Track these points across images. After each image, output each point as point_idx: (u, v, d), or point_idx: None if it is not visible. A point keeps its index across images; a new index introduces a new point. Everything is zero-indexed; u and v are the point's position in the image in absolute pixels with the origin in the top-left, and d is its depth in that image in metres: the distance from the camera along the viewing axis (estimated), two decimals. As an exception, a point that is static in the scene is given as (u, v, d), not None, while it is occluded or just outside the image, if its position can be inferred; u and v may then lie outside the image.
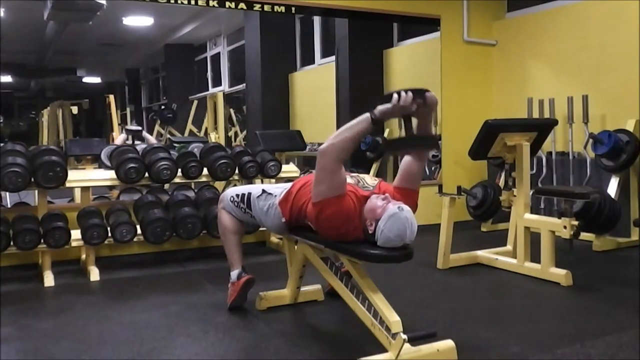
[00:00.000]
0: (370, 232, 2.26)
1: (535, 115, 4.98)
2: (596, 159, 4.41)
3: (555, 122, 3.95)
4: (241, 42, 7.43)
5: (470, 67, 5.62)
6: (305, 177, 2.68)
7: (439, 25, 5.45)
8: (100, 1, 5.50)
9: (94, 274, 3.57)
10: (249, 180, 4.18)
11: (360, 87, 6.28)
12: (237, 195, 2.82)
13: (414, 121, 2.33)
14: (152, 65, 8.96)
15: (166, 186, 4.68)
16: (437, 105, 2.30)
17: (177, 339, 2.52)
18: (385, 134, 6.17)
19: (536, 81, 5.25)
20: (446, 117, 5.53)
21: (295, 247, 2.85)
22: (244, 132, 7.29)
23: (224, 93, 7.07)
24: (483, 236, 4.82)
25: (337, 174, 2.25)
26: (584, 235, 3.91)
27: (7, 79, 7.51)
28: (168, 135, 7.12)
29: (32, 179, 3.50)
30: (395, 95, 2.16)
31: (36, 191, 3.83)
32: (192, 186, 4.79)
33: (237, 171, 4.17)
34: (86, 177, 4.02)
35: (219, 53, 7.89)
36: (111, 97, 6.79)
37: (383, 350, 2.16)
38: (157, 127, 7.40)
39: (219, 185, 4.60)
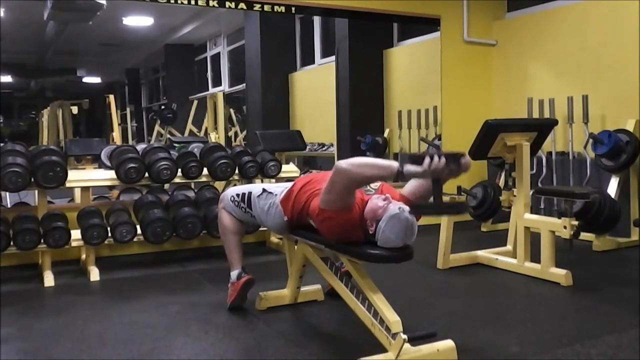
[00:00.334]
0: (370, 232, 2.26)
1: (535, 115, 4.98)
2: (596, 159, 4.41)
3: (555, 122, 3.95)
4: (241, 42, 7.43)
5: (470, 67, 5.62)
6: (307, 176, 2.68)
7: (439, 25, 5.46)
8: (100, 1, 5.50)
9: (94, 274, 3.57)
10: (249, 180, 4.18)
11: (360, 87, 6.29)
12: (238, 195, 2.82)
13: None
14: (152, 65, 8.97)
15: (166, 186, 4.69)
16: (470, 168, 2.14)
17: (177, 339, 2.52)
18: (386, 134, 6.18)
19: (536, 81, 5.25)
20: (446, 117, 5.54)
21: (295, 247, 2.85)
22: (244, 132, 7.30)
23: (224, 93, 7.07)
24: (483, 236, 4.82)
25: (346, 194, 2.22)
26: (584, 235, 3.91)
27: (7, 79, 7.52)
28: (168, 135, 7.13)
29: (32, 179, 3.50)
30: (427, 160, 1.98)
31: (36, 191, 3.83)
32: (192, 186, 4.80)
33: (237, 171, 4.16)
34: (86, 177, 4.02)
35: (219, 53, 7.89)
36: (111, 97, 6.80)
37: (383, 350, 2.16)
38: (157, 127, 7.41)
39: (219, 185, 4.61)
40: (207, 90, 7.99)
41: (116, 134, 6.66)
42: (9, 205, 4.38)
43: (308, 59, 7.07)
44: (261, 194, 2.75)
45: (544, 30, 5.17)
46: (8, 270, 3.69)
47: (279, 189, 2.72)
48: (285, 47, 7.21)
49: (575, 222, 3.29)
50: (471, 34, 5.57)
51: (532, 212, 3.68)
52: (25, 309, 2.98)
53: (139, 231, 3.77)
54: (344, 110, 6.25)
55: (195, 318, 2.78)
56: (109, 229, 3.67)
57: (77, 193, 4.29)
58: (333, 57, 6.36)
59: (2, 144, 3.98)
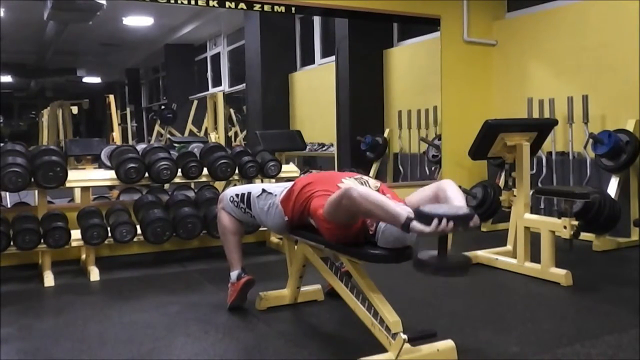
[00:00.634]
0: (370, 232, 2.25)
1: (535, 115, 4.98)
2: (596, 159, 4.41)
3: (555, 122, 3.95)
4: (241, 42, 7.43)
5: (470, 67, 5.62)
6: (307, 176, 2.67)
7: (439, 25, 5.46)
8: (100, 1, 5.50)
9: (94, 274, 3.57)
10: (249, 180, 4.18)
11: (360, 87, 6.28)
12: (237, 195, 2.82)
13: None
14: (152, 65, 8.96)
15: (166, 186, 4.69)
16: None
17: (177, 339, 2.52)
18: (386, 134, 6.17)
19: (536, 81, 5.25)
20: (446, 117, 5.54)
21: (295, 247, 2.85)
22: (244, 132, 7.29)
23: (224, 93, 7.07)
24: (483, 236, 4.82)
25: (350, 218, 2.20)
26: (584, 235, 3.91)
27: (7, 79, 7.51)
28: (168, 135, 7.13)
29: (32, 179, 3.50)
30: (435, 222, 1.92)
31: (36, 191, 3.83)
32: (192, 186, 4.79)
33: (237, 171, 4.16)
34: (86, 177, 4.02)
35: (219, 53, 7.89)
36: (111, 97, 6.79)
37: (383, 350, 2.16)
38: (157, 127, 7.41)
39: (219, 185, 4.61)
40: (207, 90, 7.99)
41: (116, 134, 6.66)
42: (9, 205, 4.37)
43: (308, 59, 7.06)
44: (261, 194, 2.75)
45: (544, 30, 5.17)
46: (8, 270, 3.69)
47: (279, 189, 2.72)
48: (285, 47, 7.21)
49: (575, 222, 3.29)
50: (471, 34, 5.57)
51: (532, 212, 3.68)
52: (25, 309, 2.98)
53: (139, 231, 3.77)
54: (344, 110, 6.25)
55: (195, 318, 2.78)
56: (109, 229, 3.67)
57: (77, 193, 4.29)
58: (333, 57, 6.36)
59: (2, 144, 3.97)
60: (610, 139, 4.19)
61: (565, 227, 3.29)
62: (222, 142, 5.87)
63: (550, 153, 4.92)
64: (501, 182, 4.72)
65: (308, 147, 6.05)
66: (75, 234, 3.59)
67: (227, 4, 4.55)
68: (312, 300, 3.00)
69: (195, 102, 7.28)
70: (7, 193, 4.35)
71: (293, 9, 4.88)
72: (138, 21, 7.24)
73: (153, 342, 2.47)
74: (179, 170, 3.99)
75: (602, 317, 2.76)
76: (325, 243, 2.43)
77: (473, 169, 5.46)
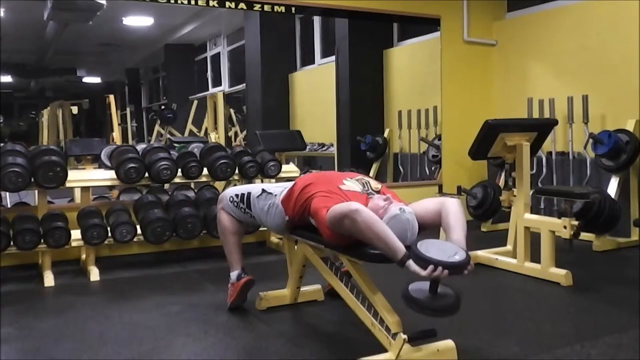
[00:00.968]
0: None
1: (535, 115, 4.98)
2: (596, 159, 4.41)
3: (555, 122, 3.95)
4: (241, 42, 7.42)
5: (470, 67, 5.62)
6: (307, 176, 2.67)
7: (439, 25, 5.46)
8: (100, 1, 5.50)
9: (94, 274, 3.57)
10: (249, 180, 4.18)
11: (360, 87, 6.29)
12: (237, 196, 2.82)
13: None
14: (152, 65, 8.96)
15: (166, 186, 4.68)
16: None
17: (177, 339, 2.52)
18: (386, 134, 6.17)
19: (536, 81, 5.25)
20: (446, 117, 5.54)
21: (295, 247, 2.85)
22: (244, 132, 7.29)
23: (224, 93, 7.07)
24: (483, 236, 4.82)
25: (348, 235, 2.20)
26: (584, 235, 3.91)
27: (7, 79, 7.51)
28: (168, 135, 7.12)
29: (32, 179, 3.50)
30: (430, 268, 1.96)
31: (36, 191, 3.83)
32: (192, 186, 4.79)
33: (237, 171, 4.17)
34: (86, 177, 4.02)
35: (219, 53, 7.89)
36: (111, 97, 6.79)
37: (383, 350, 2.16)
38: (157, 127, 7.41)
39: (219, 185, 4.60)
40: (207, 90, 7.99)
41: (116, 134, 6.65)
42: (9, 205, 4.37)
43: (308, 59, 7.06)
44: (260, 194, 2.75)
45: (544, 30, 5.17)
46: (8, 270, 3.69)
47: (279, 189, 2.72)
48: (285, 47, 7.21)
49: (575, 222, 3.29)
50: (471, 34, 5.57)
51: (532, 212, 3.68)
52: (25, 309, 2.98)
53: (139, 231, 3.77)
54: (344, 110, 6.25)
55: (195, 318, 2.78)
56: (109, 229, 3.67)
57: (77, 193, 4.29)
58: (333, 57, 6.36)
59: (2, 144, 3.97)
60: (610, 139, 4.20)
61: (565, 227, 3.29)
62: (222, 142, 5.86)
63: (550, 153, 4.92)
64: (501, 182, 4.72)
65: (308, 147, 6.05)
66: (75, 234, 3.59)
67: (227, 4, 4.55)
68: (312, 300, 3.00)
69: (195, 102, 7.28)
70: (7, 193, 4.35)
71: (293, 9, 4.88)
72: (138, 21, 7.23)
73: (153, 342, 2.47)
74: (179, 170, 3.99)
75: (602, 317, 2.76)
76: (325, 243, 2.43)
77: (473, 169, 5.46)
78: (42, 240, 3.47)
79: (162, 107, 8.00)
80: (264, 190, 2.75)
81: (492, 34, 5.68)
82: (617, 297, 3.10)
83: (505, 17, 5.67)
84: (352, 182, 2.48)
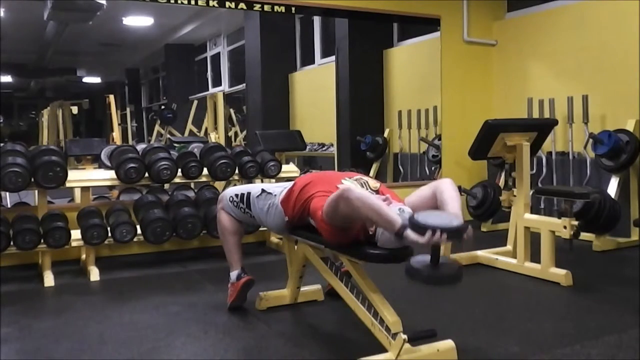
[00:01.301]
0: (370, 232, 2.25)
1: (535, 115, 4.98)
2: (596, 159, 4.41)
3: (555, 122, 3.95)
4: (241, 42, 7.43)
5: (470, 67, 5.61)
6: (307, 176, 2.67)
7: (439, 25, 5.45)
8: (100, 1, 5.50)
9: (94, 274, 3.57)
10: (249, 180, 4.18)
11: (360, 87, 6.29)
12: (237, 196, 2.82)
13: None
14: (152, 65, 8.96)
15: (166, 186, 4.68)
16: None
17: (177, 339, 2.52)
18: (386, 134, 6.18)
19: (536, 81, 5.25)
20: (446, 118, 5.54)
21: (295, 247, 2.85)
22: (244, 132, 7.29)
23: (224, 93, 7.07)
24: (483, 236, 4.82)
25: (348, 222, 2.20)
26: (584, 235, 3.91)
27: (7, 79, 7.51)
28: (168, 135, 7.13)
29: (32, 179, 3.50)
30: (428, 234, 1.94)
31: (36, 191, 3.83)
32: (192, 186, 4.79)
33: (237, 171, 4.17)
34: (86, 177, 4.02)
35: (219, 53, 7.89)
36: (111, 97, 6.79)
37: (383, 350, 2.16)
38: (157, 127, 7.41)
39: (219, 185, 4.61)
40: (207, 90, 7.99)
41: (116, 134, 6.66)
42: (9, 205, 4.37)
43: (308, 59, 7.07)
44: (260, 194, 2.74)
45: (544, 30, 5.17)
46: (8, 270, 3.69)
47: (278, 189, 2.71)
48: (285, 47, 7.21)
49: (575, 222, 3.29)
50: (471, 34, 5.57)
51: (532, 212, 3.68)
52: (25, 309, 2.98)
53: (139, 231, 3.77)
54: (344, 110, 6.25)
55: (195, 318, 2.78)
56: (109, 229, 3.67)
57: (77, 193, 4.29)
58: (333, 57, 6.36)
59: (2, 144, 3.98)
60: (610, 139, 4.20)
61: (565, 227, 3.29)
62: (222, 142, 5.87)
63: (550, 153, 4.92)
64: (501, 182, 4.72)
65: (308, 147, 6.06)
66: (75, 234, 3.59)
67: (227, 4, 4.55)
68: (312, 300, 3.00)
69: (195, 102, 7.29)
70: (7, 193, 4.35)
71: (293, 9, 4.87)
72: (138, 21, 7.24)
73: (153, 342, 2.47)
74: (179, 170, 3.99)
75: (602, 317, 2.76)
76: (325, 243, 2.43)
77: (473, 169, 5.46)
78: (42, 240, 3.46)
79: (162, 107, 8.01)
80: (263, 190, 2.75)
81: (492, 34, 5.68)
82: (617, 297, 3.10)
83: (505, 17, 5.67)
84: (350, 182, 2.48)
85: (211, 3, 4.49)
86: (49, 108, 7.07)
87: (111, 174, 3.89)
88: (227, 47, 7.80)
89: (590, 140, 4.37)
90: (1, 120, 7.74)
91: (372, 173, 6.02)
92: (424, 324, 2.57)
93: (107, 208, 3.98)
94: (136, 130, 8.54)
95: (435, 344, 2.19)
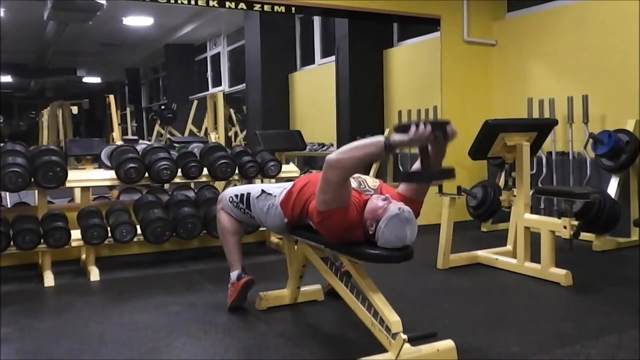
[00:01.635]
0: (370, 232, 2.25)
1: (535, 115, 4.97)
2: (596, 159, 4.41)
3: (555, 122, 3.95)
4: (241, 42, 7.44)
5: (470, 67, 5.61)
6: (306, 176, 2.68)
7: (439, 25, 5.45)
8: (100, 1, 5.51)
9: (94, 274, 3.57)
10: (249, 181, 4.18)
11: (360, 87, 6.29)
12: (236, 196, 2.82)
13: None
14: (152, 65, 8.97)
15: (166, 186, 4.69)
16: (457, 136, 2.12)
17: (177, 339, 2.52)
18: (386, 134, 6.17)
19: (536, 81, 5.25)
20: (446, 117, 5.52)
21: (295, 247, 2.85)
22: (244, 132, 7.30)
23: (224, 93, 7.08)
24: (483, 236, 4.82)
25: (342, 188, 2.21)
26: (584, 235, 3.90)
27: (7, 79, 7.52)
28: (168, 135, 7.13)
29: (32, 179, 3.50)
30: (413, 127, 2.01)
31: (36, 191, 3.83)
32: (192, 186, 4.80)
33: (237, 171, 4.16)
34: (86, 177, 4.02)
35: (219, 53, 7.90)
36: (111, 97, 6.80)
37: (383, 350, 2.16)
38: (157, 127, 7.42)
39: (219, 185, 4.61)
40: (207, 90, 8.00)
41: (116, 134, 6.66)
42: (9, 205, 4.38)
43: (308, 59, 7.07)
44: (260, 195, 2.74)
45: (544, 30, 5.17)
46: (8, 270, 3.69)
47: (278, 189, 2.71)
48: (285, 47, 7.22)
49: (575, 222, 3.29)
50: (471, 34, 5.57)
51: (532, 212, 3.68)
52: (25, 309, 2.98)
53: (139, 231, 3.77)
54: (344, 110, 6.25)
55: (195, 318, 2.78)
56: (109, 229, 3.67)
57: (77, 193, 4.29)
58: (333, 57, 6.36)
59: (2, 144, 3.98)
60: (610, 139, 4.19)
61: (565, 227, 3.29)
62: (222, 142, 5.87)
63: (550, 153, 4.92)
64: (501, 182, 4.72)
65: (308, 147, 6.06)
66: (75, 234, 3.59)
67: (227, 4, 4.55)
68: (312, 300, 3.00)
69: (195, 102, 7.29)
70: (7, 193, 4.35)
71: (293, 9, 4.87)
72: (138, 21, 7.24)
73: (153, 342, 2.47)
74: (179, 170, 3.99)
75: (602, 317, 2.76)
76: (325, 243, 2.43)
77: (473, 169, 5.45)
78: (42, 240, 3.46)
79: (162, 107, 8.02)
80: (263, 191, 2.75)
81: (492, 34, 5.68)
82: (617, 297, 3.09)
83: (505, 17, 5.67)
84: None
85: (211, 3, 4.49)
86: (49, 108, 7.08)
87: (111, 174, 3.89)
88: (227, 47, 7.80)
89: (590, 140, 4.37)
90: (1, 120, 7.75)
91: (372, 173, 6.01)
92: (424, 324, 2.57)
93: (107, 208, 3.98)
94: (136, 130, 8.55)
95: (435, 344, 2.19)
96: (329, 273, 2.54)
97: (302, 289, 2.96)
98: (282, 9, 4.75)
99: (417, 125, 2.00)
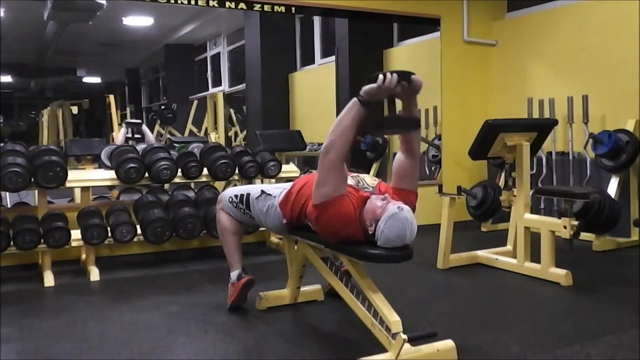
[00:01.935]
0: (370, 232, 2.25)
1: (535, 115, 4.98)
2: (596, 159, 4.41)
3: (555, 122, 3.95)
4: (241, 42, 7.43)
5: (470, 67, 5.61)
6: (306, 176, 2.68)
7: (439, 25, 5.45)
8: (100, 1, 5.50)
9: (94, 274, 3.57)
10: (249, 181, 4.18)
11: (361, 87, 6.27)
12: (236, 196, 2.82)
13: (399, 104, 2.37)
14: (152, 65, 8.96)
15: (166, 186, 4.68)
16: (422, 88, 2.29)
17: (177, 339, 2.52)
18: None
19: (536, 81, 5.25)
20: (446, 117, 5.54)
21: (295, 247, 2.85)
22: (244, 132, 7.29)
23: (224, 93, 7.07)
24: (483, 236, 4.82)
25: (340, 171, 2.26)
26: (584, 235, 3.91)
27: (7, 79, 7.52)
28: (168, 135, 7.13)
29: (32, 179, 3.50)
30: (380, 76, 2.19)
31: (36, 191, 3.83)
32: (192, 186, 4.79)
33: (237, 171, 4.17)
34: (86, 177, 4.02)
35: (219, 53, 7.89)
36: (111, 97, 6.79)
37: (383, 350, 2.16)
38: (157, 127, 7.41)
39: (219, 185, 4.60)
40: (207, 90, 7.99)
41: (116, 134, 6.65)
42: (9, 205, 4.37)
43: (308, 59, 7.06)
44: (259, 195, 2.74)
45: (544, 30, 5.17)
46: (8, 270, 3.69)
47: (278, 190, 2.71)
48: (285, 47, 7.21)
49: (575, 222, 3.29)
50: (471, 34, 5.57)
51: (532, 212, 3.68)
52: (25, 309, 2.98)
53: (139, 231, 3.77)
54: (344, 110, 6.23)
55: (195, 318, 2.78)
56: (109, 229, 3.67)
57: (77, 193, 4.29)
58: (333, 57, 6.36)
59: (2, 144, 3.97)
60: (610, 139, 4.20)
61: (565, 227, 3.29)
62: (222, 142, 5.87)
63: (550, 153, 4.92)
64: (501, 182, 4.72)
65: (308, 147, 6.05)
66: (75, 234, 3.59)
67: (227, 4, 4.55)
68: (312, 300, 3.00)
69: (195, 102, 7.28)
70: (7, 193, 4.35)
71: (293, 9, 4.87)
72: (138, 21, 7.23)
73: (153, 342, 2.47)
74: (179, 170, 3.99)
75: (602, 317, 2.76)
76: (325, 243, 2.43)
77: (473, 169, 5.46)
78: (42, 240, 3.46)
79: (162, 107, 8.00)
80: (263, 192, 2.75)
81: (492, 34, 5.68)
82: (617, 297, 3.10)
83: (505, 17, 5.67)
84: (347, 179, 2.48)
85: (211, 3, 4.49)
86: (49, 108, 7.07)
87: (111, 174, 3.89)
88: (227, 47, 7.79)
89: (590, 140, 4.37)
90: (1, 120, 7.74)
91: (372, 173, 6.01)
92: (424, 324, 2.57)
93: (107, 208, 3.98)
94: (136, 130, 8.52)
95: (435, 344, 2.19)
96: (329, 273, 2.54)
97: (302, 289, 2.96)
98: (282, 9, 4.75)
99: (385, 75, 2.18)
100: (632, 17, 4.39)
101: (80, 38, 7.46)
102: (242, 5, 4.59)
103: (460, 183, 4.09)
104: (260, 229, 3.92)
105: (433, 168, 5.78)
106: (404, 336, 2.06)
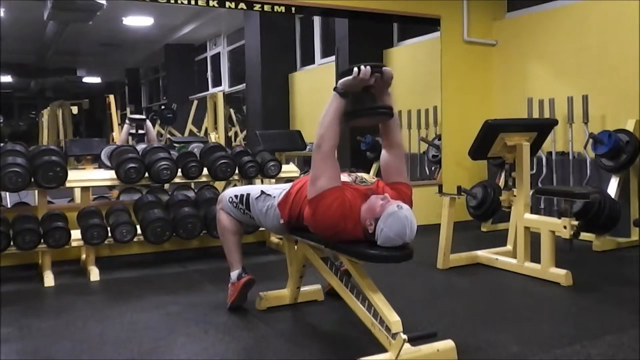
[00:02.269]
0: (370, 231, 2.25)
1: (535, 115, 4.98)
2: (596, 159, 4.41)
3: (555, 122, 3.95)
4: (241, 42, 7.43)
5: (470, 67, 5.61)
6: (305, 177, 2.67)
7: (439, 25, 5.45)
8: (100, 1, 5.50)
9: (94, 274, 3.57)
10: (249, 181, 4.18)
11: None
12: (236, 196, 2.82)
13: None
14: (152, 65, 8.96)
15: (166, 186, 4.68)
16: (393, 79, 2.43)
17: (177, 339, 2.52)
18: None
19: (536, 81, 5.25)
20: (446, 117, 5.54)
21: (295, 247, 2.85)
22: (244, 132, 7.29)
23: (224, 93, 7.07)
24: (483, 236, 4.82)
25: (333, 162, 2.30)
26: (584, 235, 3.91)
27: (7, 79, 7.52)
28: (168, 135, 7.12)
29: (32, 179, 3.50)
30: (355, 69, 2.32)
31: (36, 191, 3.83)
32: (192, 186, 4.79)
33: (237, 171, 4.17)
34: (86, 177, 4.02)
35: (219, 53, 7.89)
36: (111, 97, 6.79)
37: (383, 350, 2.16)
38: (157, 127, 7.41)
39: (219, 185, 4.60)
40: (207, 90, 7.99)
41: (116, 134, 6.65)
42: (9, 205, 4.37)
43: (308, 59, 7.06)
44: (259, 196, 2.75)
45: (544, 30, 5.17)
46: (8, 270, 3.69)
47: (277, 190, 2.71)
48: (285, 47, 7.21)
49: (575, 222, 3.29)
50: (471, 34, 5.57)
51: (532, 212, 3.68)
52: (25, 309, 2.98)
53: (139, 231, 3.77)
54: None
55: (195, 318, 2.78)
56: (109, 229, 3.67)
57: (77, 193, 4.29)
58: (333, 57, 6.36)
59: (2, 144, 3.97)
60: (610, 139, 4.20)
61: (565, 227, 3.29)
62: (222, 142, 5.87)
63: (550, 153, 4.92)
64: (501, 182, 4.72)
65: (308, 147, 6.04)
66: (75, 234, 3.59)
67: (227, 4, 4.55)
68: (312, 300, 3.00)
69: (195, 102, 7.28)
70: (7, 193, 4.35)
71: (293, 9, 4.87)
72: (138, 21, 7.24)
73: (153, 342, 2.47)
74: (179, 170, 3.99)
75: (602, 317, 2.76)
76: (325, 243, 2.43)
77: (473, 169, 5.46)
78: (42, 240, 3.47)
79: (162, 107, 8.00)
80: (262, 192, 2.75)
81: (492, 34, 5.68)
82: (617, 297, 3.10)
83: (505, 17, 5.67)
84: (344, 177, 2.49)
85: (211, 3, 4.49)
86: (49, 108, 7.07)
87: (111, 174, 3.89)
88: (227, 47, 7.79)
89: (590, 140, 4.37)
90: (1, 120, 7.74)
91: (372, 173, 6.01)
92: (424, 324, 2.57)
93: (107, 208, 3.98)
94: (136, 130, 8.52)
95: (435, 344, 2.19)
96: (329, 273, 2.54)
97: (302, 289, 2.96)
98: (282, 9, 4.75)
99: (359, 68, 2.31)
100: (632, 17, 4.39)
101: (80, 38, 7.46)
102: (242, 5, 4.59)
103: (460, 183, 4.09)
104: (260, 229, 3.92)
105: (433, 168, 5.78)
106: (404, 336, 2.06)
